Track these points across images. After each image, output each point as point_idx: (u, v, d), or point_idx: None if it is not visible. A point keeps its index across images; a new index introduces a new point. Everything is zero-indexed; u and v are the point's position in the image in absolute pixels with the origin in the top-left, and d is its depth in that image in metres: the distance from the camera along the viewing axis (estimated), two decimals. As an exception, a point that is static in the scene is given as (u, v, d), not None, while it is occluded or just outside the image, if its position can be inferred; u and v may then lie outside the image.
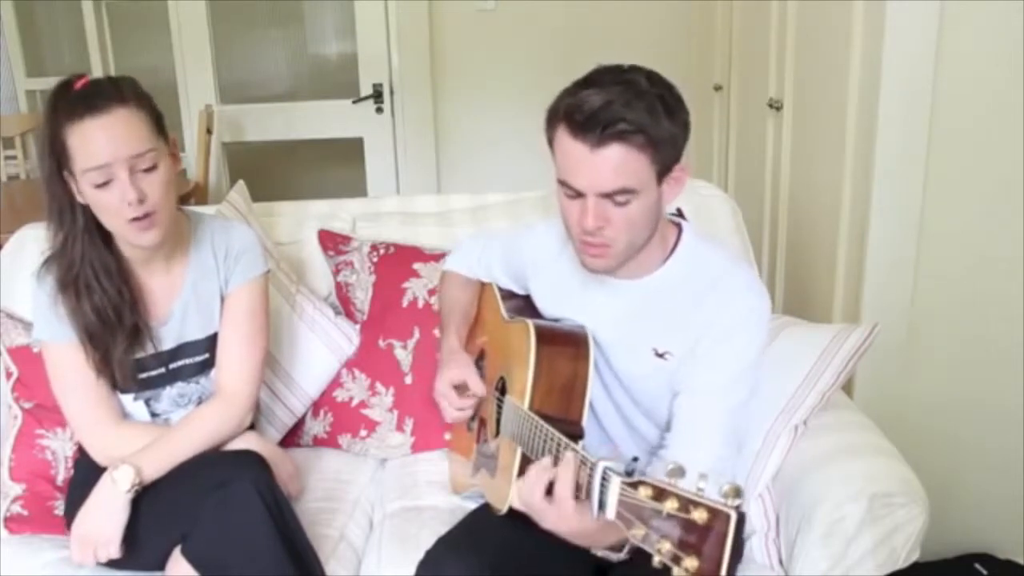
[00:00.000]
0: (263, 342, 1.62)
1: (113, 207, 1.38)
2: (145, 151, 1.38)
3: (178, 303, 1.56)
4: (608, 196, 1.23)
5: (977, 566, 2.05)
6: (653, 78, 1.24)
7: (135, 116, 1.39)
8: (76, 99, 1.37)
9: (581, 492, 1.07)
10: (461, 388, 1.53)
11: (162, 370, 1.57)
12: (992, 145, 1.88)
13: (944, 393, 2.03)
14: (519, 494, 1.17)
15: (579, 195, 1.25)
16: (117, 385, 1.54)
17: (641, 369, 1.38)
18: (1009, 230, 1.92)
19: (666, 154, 1.24)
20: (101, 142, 1.36)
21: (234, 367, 1.58)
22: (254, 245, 1.62)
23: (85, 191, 1.39)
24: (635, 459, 0.99)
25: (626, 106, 1.19)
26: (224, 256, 1.58)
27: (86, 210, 1.43)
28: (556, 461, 1.14)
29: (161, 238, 1.44)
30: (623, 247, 1.28)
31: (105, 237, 1.47)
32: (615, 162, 1.20)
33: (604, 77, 1.23)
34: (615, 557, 1.21)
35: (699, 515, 0.86)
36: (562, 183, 1.26)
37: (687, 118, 1.27)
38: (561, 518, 1.12)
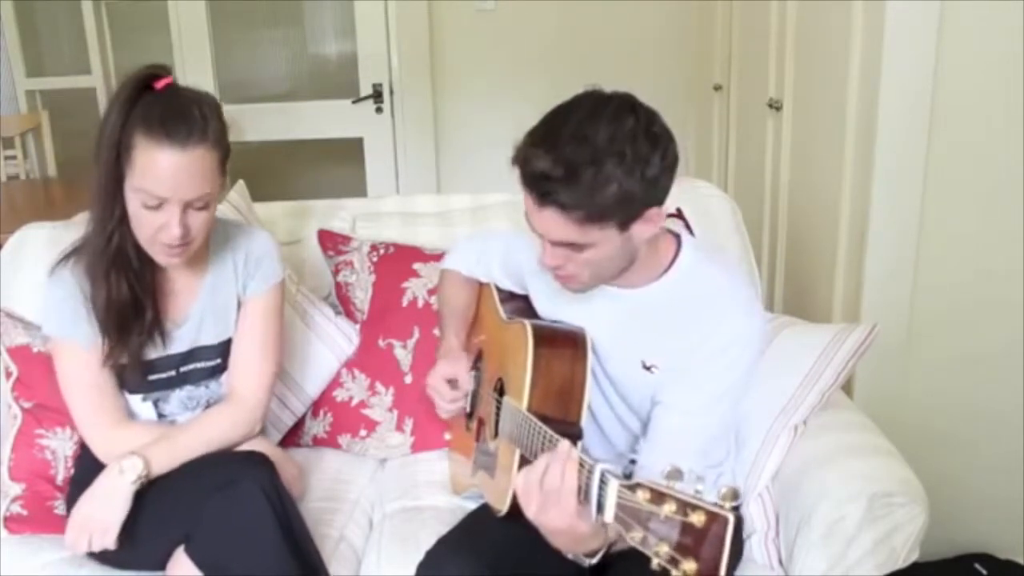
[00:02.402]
0: (277, 349, 1.62)
1: (152, 229, 1.38)
2: (203, 194, 1.37)
3: (195, 307, 1.56)
4: (561, 244, 1.23)
5: (977, 566, 2.05)
6: (622, 127, 1.16)
7: (209, 158, 1.37)
8: (160, 115, 1.34)
9: (579, 493, 1.07)
10: (453, 383, 1.54)
11: (172, 373, 1.57)
12: (992, 145, 1.88)
13: (944, 393, 2.03)
14: (524, 479, 1.13)
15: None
16: (125, 384, 1.54)
17: (629, 376, 1.38)
18: (1009, 230, 1.92)
19: (620, 213, 1.19)
20: (167, 176, 1.33)
21: (248, 374, 1.58)
22: (273, 252, 1.62)
23: (131, 203, 1.38)
24: (632, 462, 0.99)
25: (565, 180, 1.15)
26: (244, 262, 1.58)
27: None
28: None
29: (182, 264, 1.46)
30: (588, 279, 1.30)
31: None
32: (556, 223, 1.20)
33: (565, 128, 1.17)
34: (587, 562, 1.20)
35: (697, 518, 0.87)
36: (526, 217, 1.27)
37: (659, 165, 1.18)
38: (561, 513, 1.09)
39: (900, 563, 1.42)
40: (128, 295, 1.46)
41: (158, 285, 1.52)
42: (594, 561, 1.20)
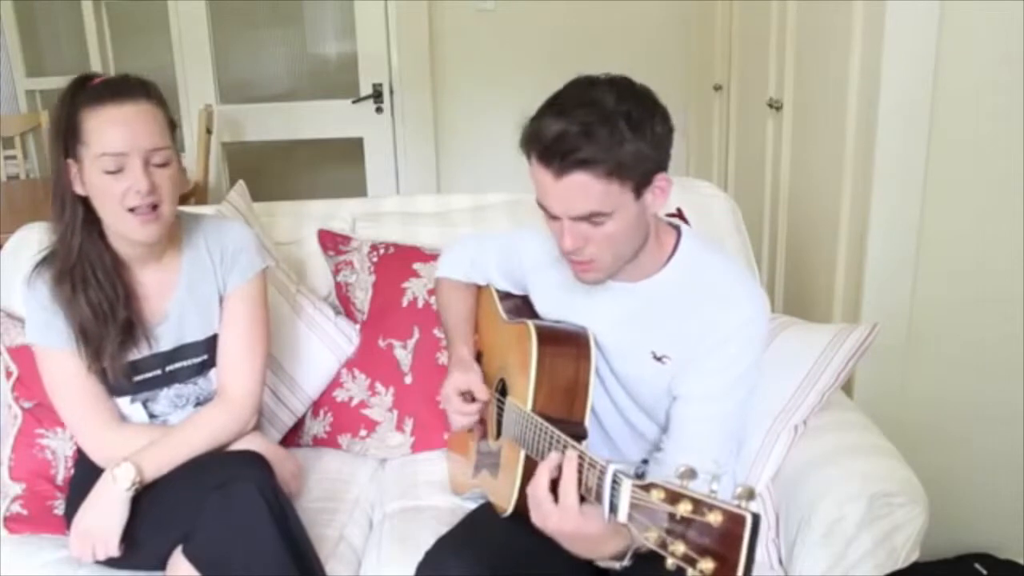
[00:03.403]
0: (264, 342, 1.62)
1: (119, 195, 1.39)
2: (162, 146, 1.42)
3: (173, 303, 1.56)
4: (582, 219, 1.23)
5: (977, 566, 2.05)
6: (623, 92, 1.21)
7: (156, 113, 1.43)
8: (100, 88, 1.41)
9: (590, 495, 1.07)
10: (466, 395, 1.53)
11: (158, 372, 1.57)
12: (992, 145, 1.88)
13: (944, 393, 2.03)
14: (530, 490, 1.17)
15: (555, 217, 1.26)
16: (112, 387, 1.54)
17: (640, 371, 1.38)
18: (1009, 229, 1.92)
19: (637, 172, 1.22)
20: (122, 129, 1.38)
21: (237, 368, 1.58)
22: (250, 243, 1.62)
23: (91, 179, 1.40)
24: (644, 461, 0.99)
25: (584, 135, 1.17)
26: (220, 257, 1.58)
27: (85, 202, 1.43)
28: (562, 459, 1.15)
29: (159, 235, 1.45)
30: (609, 261, 1.29)
31: (101, 231, 1.47)
32: (580, 189, 1.20)
33: (569, 98, 1.22)
34: (619, 566, 1.20)
35: (714, 517, 0.86)
36: (539, 204, 1.27)
37: (662, 127, 1.23)
38: (564, 518, 1.12)
39: (900, 563, 1.42)
40: (98, 296, 1.46)
41: (130, 283, 1.52)
42: (625, 563, 1.19)
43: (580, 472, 1.10)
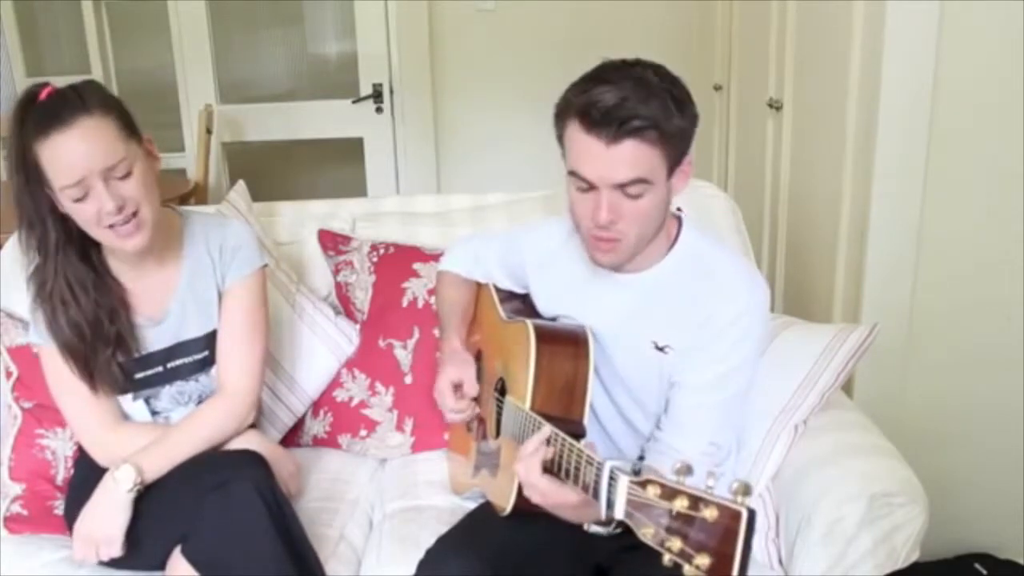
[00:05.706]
0: (263, 338, 1.62)
1: (93, 218, 1.38)
2: (117, 161, 1.37)
3: (174, 302, 1.56)
4: (621, 188, 1.23)
5: (977, 566, 2.05)
6: (660, 73, 1.26)
7: (102, 125, 1.37)
8: (41, 114, 1.35)
9: (588, 491, 1.08)
10: (460, 388, 1.53)
11: (159, 369, 1.57)
12: (992, 145, 1.88)
13: (944, 393, 2.03)
14: (517, 468, 1.21)
15: (591, 188, 1.25)
16: (113, 386, 1.54)
17: (639, 361, 1.39)
18: (1009, 230, 1.92)
19: (677, 148, 1.26)
20: (72, 157, 1.34)
21: (235, 364, 1.58)
22: (249, 240, 1.62)
23: (66, 205, 1.39)
24: (641, 458, 0.99)
25: (641, 103, 1.20)
26: (219, 253, 1.58)
27: (64, 221, 1.42)
28: (549, 442, 1.19)
29: (147, 242, 1.44)
30: (633, 241, 1.29)
31: (82, 247, 1.46)
32: (630, 157, 1.22)
33: (614, 73, 1.24)
34: (606, 531, 1.22)
35: (710, 513, 0.86)
36: (574, 175, 1.27)
37: (695, 111, 1.29)
38: (546, 497, 1.18)
39: (900, 563, 1.42)
40: (74, 319, 1.46)
41: (119, 293, 1.51)
42: (613, 530, 1.21)
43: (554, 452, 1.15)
